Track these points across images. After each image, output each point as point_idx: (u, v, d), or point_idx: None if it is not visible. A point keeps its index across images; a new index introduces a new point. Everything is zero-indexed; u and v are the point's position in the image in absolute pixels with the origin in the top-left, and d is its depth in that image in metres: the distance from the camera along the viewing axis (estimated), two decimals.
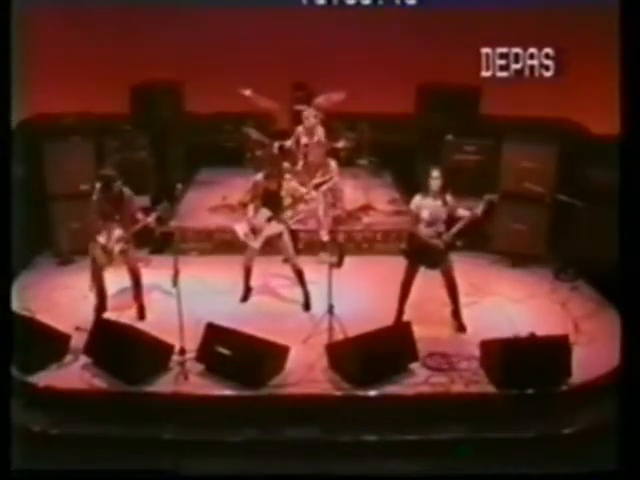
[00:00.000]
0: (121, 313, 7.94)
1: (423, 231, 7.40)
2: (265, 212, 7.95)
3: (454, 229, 7.37)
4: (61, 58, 10.51)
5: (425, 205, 7.40)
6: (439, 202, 7.37)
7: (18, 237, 6.91)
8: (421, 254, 7.45)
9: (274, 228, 7.94)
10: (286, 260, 8.26)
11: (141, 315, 7.96)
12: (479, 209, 7.33)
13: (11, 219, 6.17)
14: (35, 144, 9.28)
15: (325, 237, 8.99)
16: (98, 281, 7.85)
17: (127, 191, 7.73)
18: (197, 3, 10.85)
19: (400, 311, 7.66)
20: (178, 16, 10.81)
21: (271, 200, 7.95)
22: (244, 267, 8.20)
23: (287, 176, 8.67)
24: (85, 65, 10.57)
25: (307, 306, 8.09)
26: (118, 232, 7.64)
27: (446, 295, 7.72)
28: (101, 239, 7.65)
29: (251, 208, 8.09)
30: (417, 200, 7.47)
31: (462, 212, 7.41)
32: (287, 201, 8.06)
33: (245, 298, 8.31)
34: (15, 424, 6.04)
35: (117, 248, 7.64)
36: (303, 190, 8.96)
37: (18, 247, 7.06)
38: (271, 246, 8.08)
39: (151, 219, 7.69)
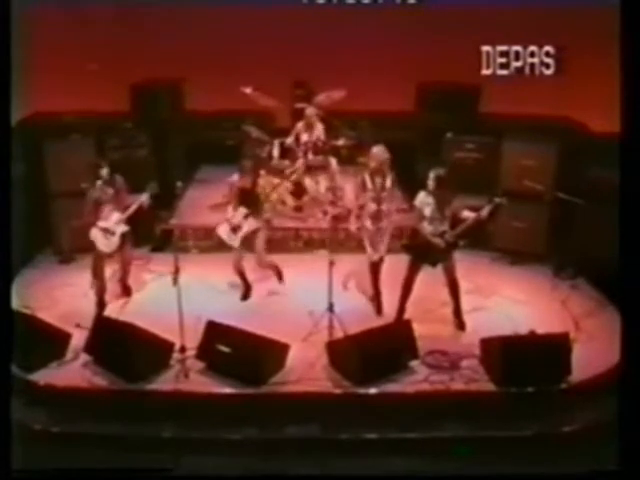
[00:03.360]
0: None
1: (426, 228, 7.42)
2: (242, 210, 7.97)
3: (458, 229, 7.39)
4: (61, 57, 10.50)
5: (428, 202, 7.42)
6: (440, 201, 7.37)
7: (19, 235, 6.93)
8: (421, 251, 7.47)
9: (251, 225, 7.98)
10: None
11: (127, 292, 8.26)
12: (485, 211, 7.34)
13: (11, 217, 6.19)
14: (35, 142, 9.28)
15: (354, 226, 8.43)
16: (100, 275, 7.88)
17: (119, 179, 7.91)
18: (197, 2, 10.85)
19: (401, 309, 7.66)
20: (178, 14, 10.81)
21: (247, 198, 7.99)
22: (235, 268, 8.19)
23: (261, 172, 8.55)
24: (86, 64, 10.56)
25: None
26: (117, 215, 7.83)
27: (447, 293, 7.74)
28: (102, 223, 7.81)
29: (230, 209, 8.11)
30: (421, 196, 7.48)
31: (467, 213, 7.42)
32: (263, 197, 8.10)
33: (246, 296, 8.31)
34: (15, 422, 6.07)
35: (119, 230, 7.85)
36: (276, 180, 8.85)
37: (19, 245, 7.09)
38: (248, 243, 8.08)
39: (144, 198, 7.84)
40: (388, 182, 7.91)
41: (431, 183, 7.38)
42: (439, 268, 7.57)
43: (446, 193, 7.41)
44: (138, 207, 7.87)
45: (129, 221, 7.95)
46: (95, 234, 7.85)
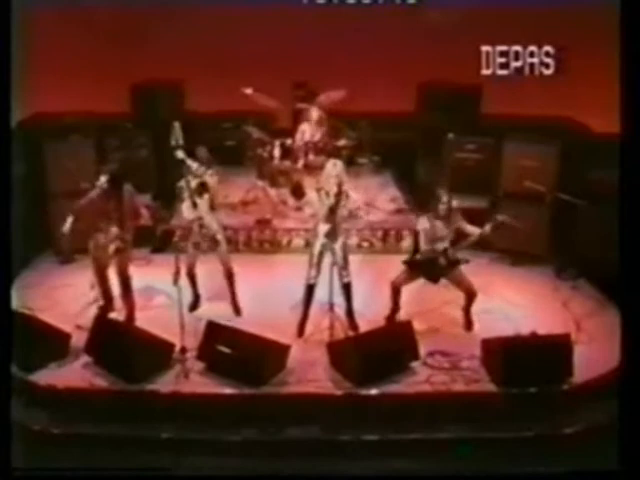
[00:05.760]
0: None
1: (428, 247, 7.41)
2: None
3: (460, 246, 7.39)
4: (62, 57, 10.49)
5: (432, 225, 7.41)
6: (446, 222, 7.40)
7: (19, 236, 6.91)
8: (423, 268, 7.47)
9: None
10: None
11: (130, 320, 7.77)
12: (487, 228, 7.34)
13: (11, 218, 6.18)
14: (36, 143, 9.27)
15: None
16: (102, 280, 7.81)
17: (127, 187, 7.63)
18: (198, 2, 10.84)
19: (395, 308, 7.65)
20: (178, 15, 10.79)
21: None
22: (187, 273, 7.83)
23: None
24: (86, 64, 10.56)
25: (237, 311, 7.98)
26: (114, 230, 7.55)
27: (448, 294, 7.76)
28: (99, 237, 7.59)
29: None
30: (424, 222, 7.45)
31: (470, 229, 7.42)
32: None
33: (195, 307, 8.05)
34: (15, 423, 6.07)
35: (112, 247, 7.56)
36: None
37: (19, 246, 7.06)
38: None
39: (146, 219, 7.78)
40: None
41: (441, 207, 7.36)
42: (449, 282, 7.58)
43: (454, 215, 7.42)
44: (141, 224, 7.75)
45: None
46: (91, 247, 7.67)
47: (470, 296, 7.60)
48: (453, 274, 7.52)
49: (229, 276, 7.97)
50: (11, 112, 6.42)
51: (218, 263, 7.96)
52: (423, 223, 7.45)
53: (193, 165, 7.79)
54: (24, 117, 9.55)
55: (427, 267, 7.45)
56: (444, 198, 7.37)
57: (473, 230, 7.41)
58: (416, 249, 7.50)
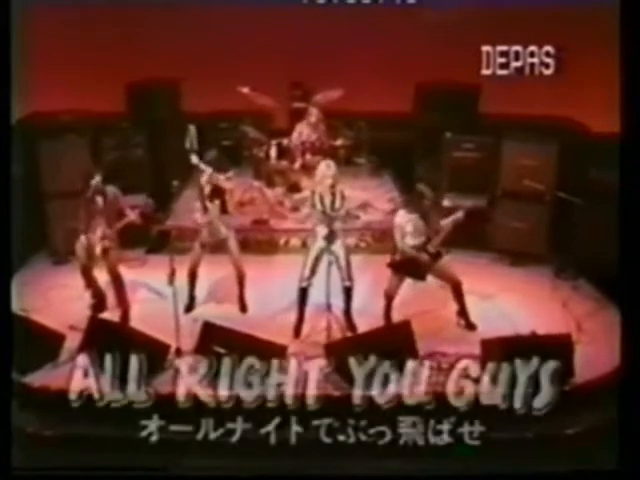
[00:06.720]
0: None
1: (409, 243, 7.36)
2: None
3: (437, 239, 7.34)
4: (58, 56, 10.44)
5: (410, 218, 7.38)
6: (427, 218, 7.39)
7: (14, 236, 6.87)
8: (407, 268, 7.41)
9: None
10: None
11: (125, 318, 7.77)
12: (460, 214, 7.30)
13: (10, 218, 6.15)
14: (31, 142, 9.23)
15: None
16: (90, 280, 7.77)
17: (111, 189, 7.65)
18: (195, 1, 10.80)
19: (388, 311, 7.63)
20: (175, 14, 10.75)
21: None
22: (190, 272, 7.91)
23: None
24: (82, 63, 10.52)
25: (243, 309, 8.04)
26: (101, 230, 7.56)
27: (446, 294, 7.71)
28: (85, 238, 7.58)
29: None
30: (401, 215, 7.42)
31: (444, 221, 7.39)
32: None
33: (190, 308, 8.03)
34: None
35: (99, 247, 7.56)
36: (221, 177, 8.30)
37: (14, 246, 7.03)
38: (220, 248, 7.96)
39: (134, 216, 7.65)
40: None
41: (425, 203, 7.36)
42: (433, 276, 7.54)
43: (435, 212, 7.41)
44: (129, 222, 7.69)
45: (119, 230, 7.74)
46: (78, 248, 7.68)
47: (456, 286, 7.57)
48: (436, 268, 7.46)
49: (240, 279, 7.98)
50: (11, 112, 6.39)
51: (219, 265, 7.94)
52: (399, 218, 7.41)
53: (207, 170, 7.77)
54: (20, 116, 9.48)
55: (409, 266, 7.39)
56: (428, 194, 7.34)
57: (446, 222, 7.35)
58: (395, 249, 7.46)
